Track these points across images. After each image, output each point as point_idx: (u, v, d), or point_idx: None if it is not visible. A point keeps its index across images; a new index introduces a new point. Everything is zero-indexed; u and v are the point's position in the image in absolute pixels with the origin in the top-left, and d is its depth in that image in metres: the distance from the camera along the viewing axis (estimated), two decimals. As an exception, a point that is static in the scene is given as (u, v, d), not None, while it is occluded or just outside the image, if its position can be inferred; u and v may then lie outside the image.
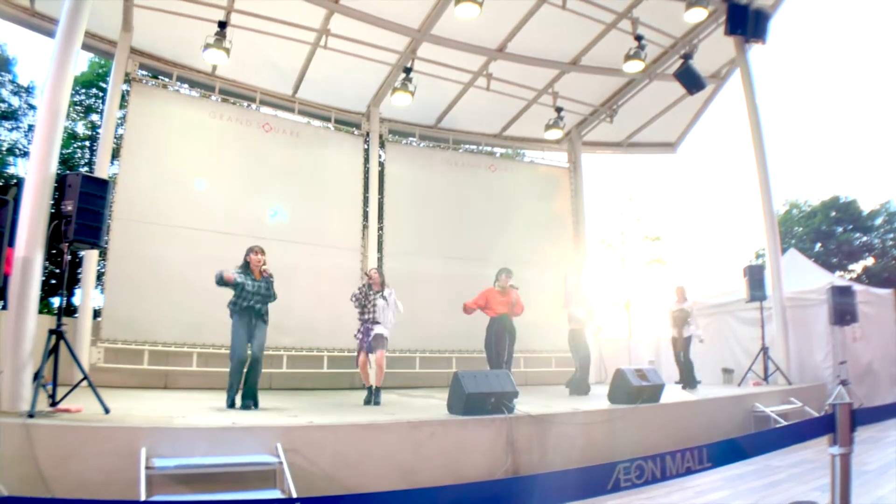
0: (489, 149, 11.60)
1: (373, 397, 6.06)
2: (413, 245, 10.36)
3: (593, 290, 10.23)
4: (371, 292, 6.18)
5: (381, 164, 10.48)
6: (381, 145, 10.39)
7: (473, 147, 11.40)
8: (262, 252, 5.52)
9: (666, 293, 13.11)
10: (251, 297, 5.38)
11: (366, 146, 10.21)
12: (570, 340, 7.78)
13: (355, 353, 6.33)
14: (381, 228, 10.27)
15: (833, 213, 24.50)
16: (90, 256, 7.70)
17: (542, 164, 12.12)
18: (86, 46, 7.94)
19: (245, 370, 5.24)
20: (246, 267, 5.48)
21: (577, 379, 7.66)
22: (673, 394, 7.01)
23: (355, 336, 6.26)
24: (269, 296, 5.44)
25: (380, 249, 10.05)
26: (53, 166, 4.47)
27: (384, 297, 6.13)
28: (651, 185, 23.93)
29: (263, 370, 5.73)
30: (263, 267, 5.51)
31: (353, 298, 6.20)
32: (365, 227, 9.98)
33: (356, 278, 9.44)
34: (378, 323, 6.15)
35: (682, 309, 8.85)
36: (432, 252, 10.44)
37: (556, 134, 10.84)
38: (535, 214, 11.57)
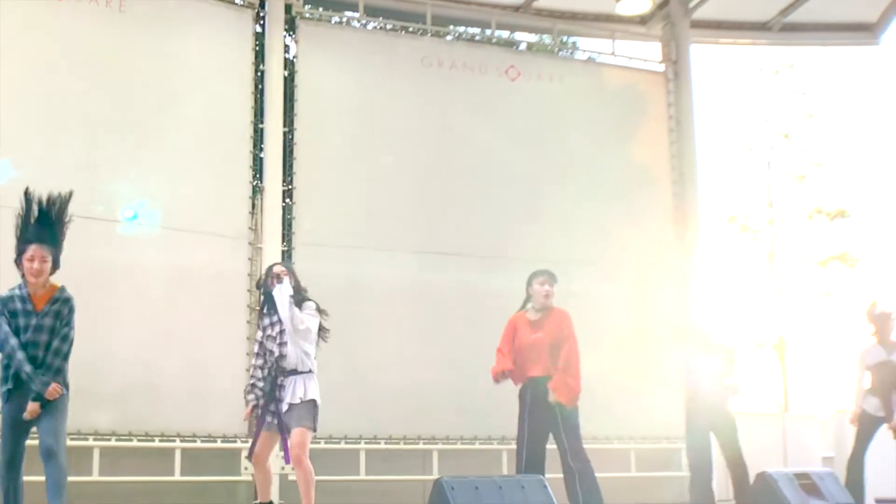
0: (506, 35, 9.86)
1: None
2: (354, 228, 8.42)
3: (716, 320, 7.48)
4: (271, 306, 5.45)
5: (291, 65, 8.78)
6: (290, 28, 8.83)
7: (475, 31, 10.27)
8: (49, 244, 4.75)
9: (860, 321, 9.33)
10: (26, 349, 4.61)
11: (259, 28, 8.53)
12: (688, 411, 6.74)
13: (247, 440, 5.88)
14: (289, 196, 8.37)
15: None
16: None
17: (612, 64, 10.05)
18: None
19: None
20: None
21: (692, 488, 6.61)
22: None
23: (248, 396, 5.41)
24: (63, 342, 4.66)
25: (287, 238, 8.22)
26: None
27: (280, 281, 5.37)
28: (829, 112, 19.11)
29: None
30: (49, 281, 4.75)
31: (261, 338, 5.48)
32: (257, 191, 8.19)
33: (240, 293, 7.83)
34: (293, 372, 5.25)
35: (891, 363, 7.31)
36: (393, 242, 8.50)
37: (639, 4, 9.67)
38: (598, 164, 9.25)
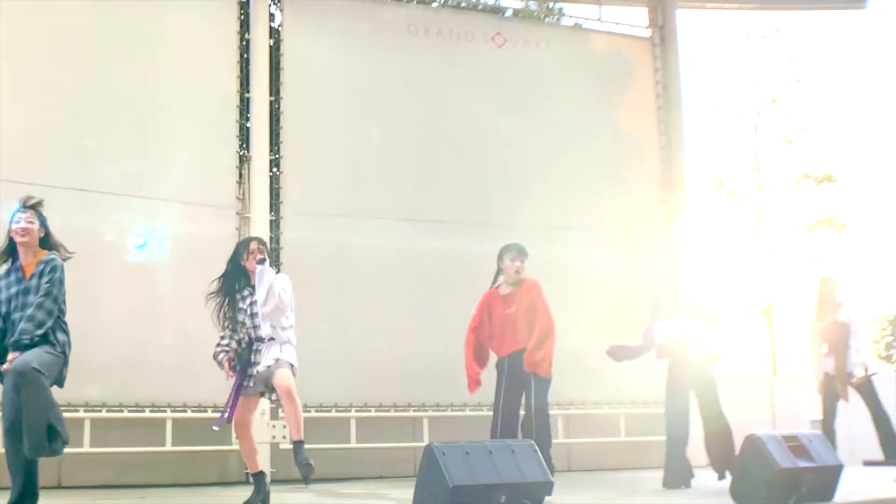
0: (492, 1, 10.02)
1: (297, 458, 4.96)
2: (341, 197, 8.51)
3: (700, 283, 7.38)
4: (242, 272, 5.37)
5: (276, 34, 8.79)
6: (276, -2, 9.32)
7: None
8: (35, 208, 4.75)
9: (848, 289, 9.61)
10: (13, 315, 4.60)
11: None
12: (671, 376, 6.63)
13: (223, 409, 5.30)
14: (276, 165, 8.38)
15: None
16: None
17: (599, 30, 10.08)
18: None
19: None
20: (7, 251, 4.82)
21: (669, 454, 6.49)
22: (864, 482, 6.38)
23: (217, 358, 5.27)
24: (44, 297, 4.54)
25: (275, 208, 8.26)
26: None
27: (263, 261, 5.27)
28: (815, 77, 19.25)
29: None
30: (41, 253, 4.69)
31: (217, 305, 5.31)
32: (244, 160, 8.19)
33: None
34: (264, 339, 5.23)
35: (838, 322, 7.72)
36: (380, 210, 8.58)
37: (625, -30, 10.02)
38: (585, 131, 9.34)
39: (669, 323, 6.86)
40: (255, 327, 5.39)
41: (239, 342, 5.43)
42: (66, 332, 4.81)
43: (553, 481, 4.52)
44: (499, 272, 6.53)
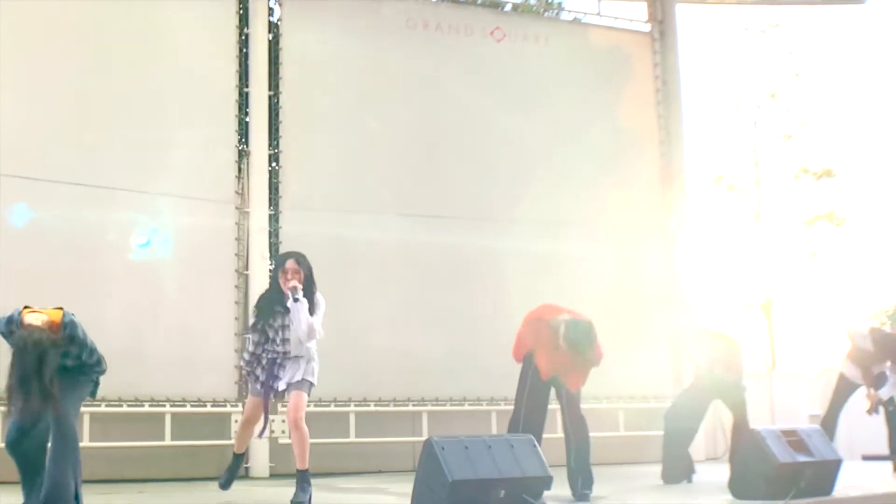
0: None
1: (295, 497, 5.12)
2: (340, 191, 8.48)
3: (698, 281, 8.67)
4: (279, 298, 5.28)
5: (275, 28, 8.70)
6: (276, -7, 9.38)
7: (460, -7, 10.37)
8: None
9: (847, 284, 11.64)
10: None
11: (243, -6, 9.06)
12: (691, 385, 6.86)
13: (236, 404, 6.21)
14: (275, 160, 8.34)
15: None
16: None
17: (598, 25, 10.04)
18: None
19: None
20: None
21: (667, 452, 6.63)
22: (863, 477, 6.35)
23: (242, 367, 5.54)
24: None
25: (274, 202, 8.22)
26: None
27: (297, 300, 5.20)
28: (815, 71, 19.03)
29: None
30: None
31: (256, 327, 5.32)
32: (243, 155, 8.18)
33: (228, 257, 7.81)
34: (292, 357, 5.23)
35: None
36: (379, 204, 8.58)
37: (625, -36, 9.98)
38: (584, 125, 9.26)
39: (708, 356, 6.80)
40: (285, 341, 5.33)
41: (264, 351, 5.38)
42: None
43: (552, 476, 4.47)
44: (560, 336, 5.75)
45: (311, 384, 5.40)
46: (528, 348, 6.02)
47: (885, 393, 7.70)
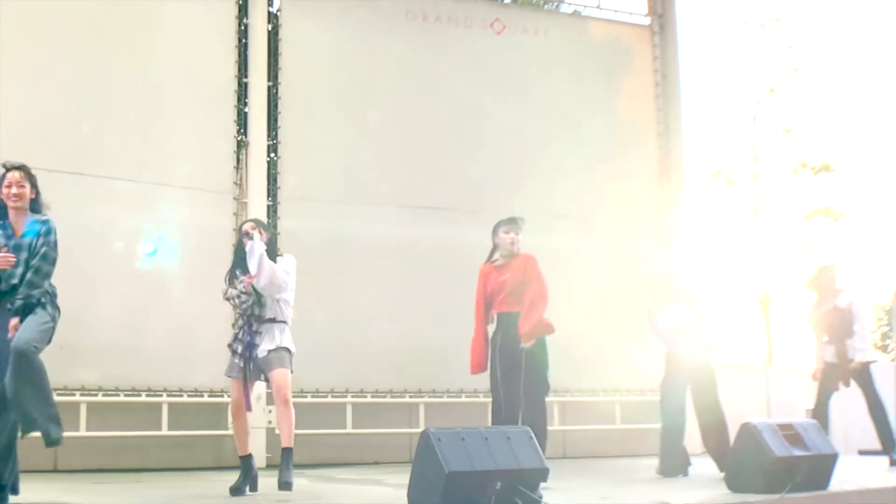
0: None
1: (281, 476, 5.13)
2: (339, 182, 8.49)
3: (697, 274, 7.58)
4: (242, 259, 5.38)
5: (274, 19, 8.70)
6: (274, -14, 9.29)
7: (460, -15, 10.32)
8: (23, 169, 4.61)
9: (844, 279, 8.83)
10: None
11: (242, -14, 9.04)
12: (668, 370, 6.58)
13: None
14: (273, 151, 8.39)
15: None
16: None
17: (598, 17, 10.06)
18: None
19: None
20: None
21: (664, 445, 6.52)
22: (859, 471, 6.33)
23: (232, 347, 5.33)
24: (41, 260, 4.50)
25: (272, 193, 8.28)
26: None
27: (252, 238, 5.22)
28: (814, 66, 19.14)
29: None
30: (30, 212, 4.68)
31: (229, 291, 5.32)
32: (242, 145, 8.20)
33: (225, 248, 7.37)
34: (270, 320, 5.21)
35: (838, 309, 7.47)
36: (378, 196, 8.60)
37: (624, -44, 10.04)
38: (583, 118, 9.27)
39: (670, 310, 6.76)
40: (255, 301, 5.30)
41: (243, 324, 5.34)
42: (55, 295, 4.72)
43: (548, 468, 4.47)
44: (494, 248, 6.40)
45: (291, 353, 5.36)
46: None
47: (856, 352, 7.59)
